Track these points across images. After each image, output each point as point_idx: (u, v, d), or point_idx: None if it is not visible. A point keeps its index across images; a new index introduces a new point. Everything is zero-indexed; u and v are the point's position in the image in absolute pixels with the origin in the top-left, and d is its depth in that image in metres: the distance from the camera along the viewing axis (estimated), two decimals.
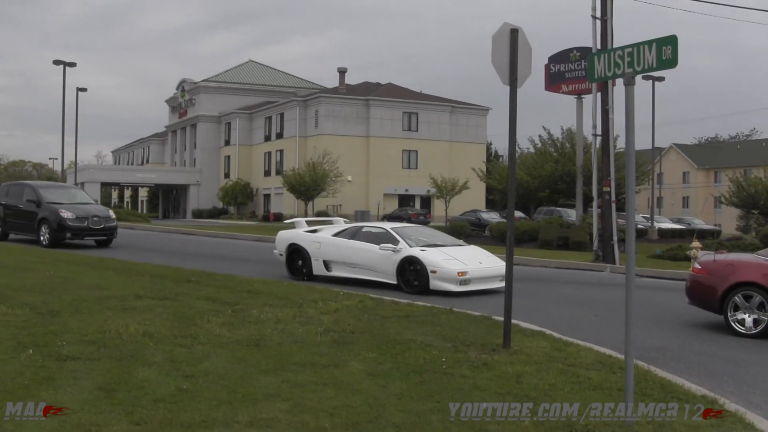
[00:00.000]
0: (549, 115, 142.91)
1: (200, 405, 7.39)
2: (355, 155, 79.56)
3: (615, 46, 29.05)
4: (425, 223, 58.83)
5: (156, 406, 7.30)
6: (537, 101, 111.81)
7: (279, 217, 76.38)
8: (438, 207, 75.12)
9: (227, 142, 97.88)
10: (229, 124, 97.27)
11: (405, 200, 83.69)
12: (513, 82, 10.69)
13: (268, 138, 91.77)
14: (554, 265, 28.42)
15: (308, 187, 54.09)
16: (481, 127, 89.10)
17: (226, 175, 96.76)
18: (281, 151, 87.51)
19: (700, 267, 14.90)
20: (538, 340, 11.59)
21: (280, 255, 21.54)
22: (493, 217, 63.04)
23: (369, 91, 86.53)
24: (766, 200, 47.59)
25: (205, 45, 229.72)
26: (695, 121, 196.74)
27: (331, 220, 23.72)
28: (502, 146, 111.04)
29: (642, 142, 74.97)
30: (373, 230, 20.19)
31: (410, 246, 18.87)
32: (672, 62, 7.36)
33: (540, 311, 15.95)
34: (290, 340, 10.60)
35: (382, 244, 19.04)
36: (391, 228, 19.98)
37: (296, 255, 20.92)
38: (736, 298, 13.97)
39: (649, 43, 7.61)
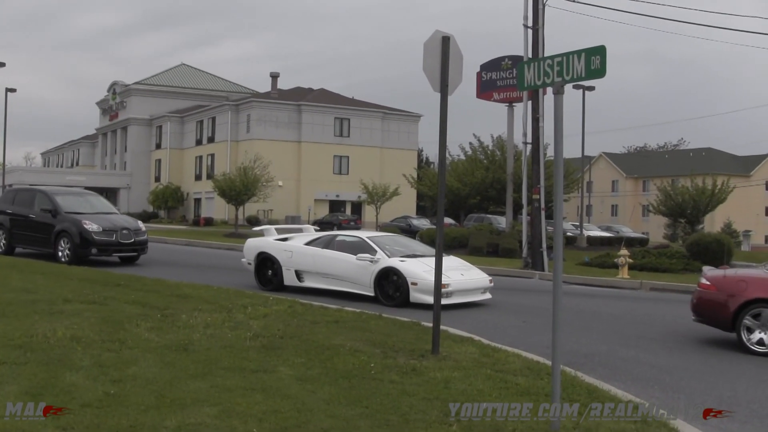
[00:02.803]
0: (480, 123, 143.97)
1: (128, 410, 7.32)
2: (287, 160, 79.35)
3: (546, 55, 29.37)
4: (356, 229, 58.88)
5: (83, 411, 7.22)
6: (468, 108, 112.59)
7: (209, 222, 75.89)
8: (369, 213, 75.17)
9: (158, 146, 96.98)
10: (161, 127, 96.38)
11: (336, 206, 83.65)
12: (444, 90, 10.75)
13: (199, 142, 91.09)
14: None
15: (239, 191, 53.51)
16: (413, 133, 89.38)
17: (157, 179, 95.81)
18: (212, 155, 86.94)
19: (708, 283, 14.38)
20: (467, 346, 11.67)
21: (249, 264, 20.67)
22: (423, 223, 63.33)
23: (301, 96, 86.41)
24: (693, 209, 48.22)
25: (137, 47, 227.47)
26: (625, 130, 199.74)
27: (301, 228, 22.88)
28: (433, 153, 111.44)
29: (572, 151, 75.95)
30: (348, 239, 19.48)
31: (388, 256, 18.15)
32: (600, 72, 7.44)
33: (469, 317, 16.07)
34: (219, 345, 10.54)
35: (359, 254, 18.31)
36: (367, 237, 19.26)
37: (266, 264, 20.11)
38: (750, 316, 13.56)
39: (578, 53, 7.69)
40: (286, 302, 15.17)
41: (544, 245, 29.41)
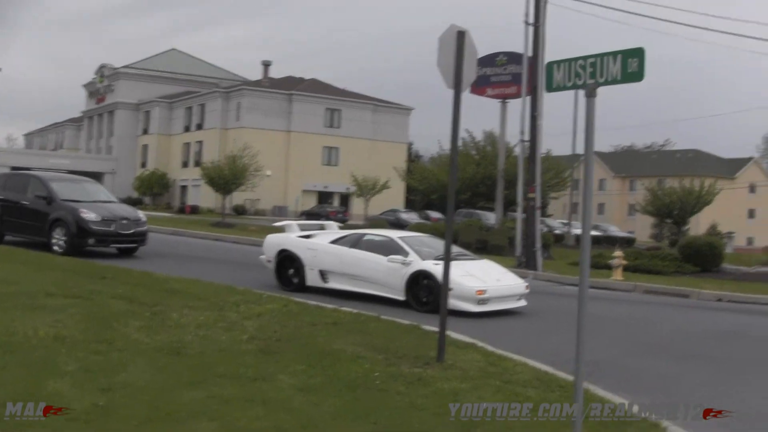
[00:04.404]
0: (472, 118, 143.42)
1: (119, 424, 6.71)
2: (276, 149, 79.00)
3: (546, 53, 28.92)
4: (344, 221, 58.40)
5: (69, 426, 6.59)
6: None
7: (195, 210, 75.31)
8: (357, 205, 74.88)
9: (145, 131, 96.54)
10: (149, 112, 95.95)
11: (324, 197, 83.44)
12: (457, 86, 10.28)
13: (187, 128, 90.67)
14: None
15: (228, 180, 52.87)
16: (404, 126, 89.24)
17: (143, 165, 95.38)
18: (201, 142, 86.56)
19: None
20: (471, 353, 11.25)
21: (268, 261, 19.63)
22: (412, 217, 63.12)
23: (292, 85, 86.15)
24: (680, 210, 48.32)
25: (126, 29, 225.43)
26: (612, 129, 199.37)
27: (323, 225, 21.72)
28: (423, 146, 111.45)
29: (562, 149, 75.69)
30: (377, 239, 18.49)
31: (422, 258, 17.07)
32: (638, 75, 6.99)
33: (466, 320, 15.52)
34: (213, 348, 9.98)
35: (391, 256, 17.29)
36: (397, 237, 18.26)
37: (287, 263, 19.01)
38: None
39: (614, 54, 7.24)
40: (280, 300, 14.62)
41: (538, 244, 29.05)
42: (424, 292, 16.77)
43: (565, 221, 64.51)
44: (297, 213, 73.37)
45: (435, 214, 65.78)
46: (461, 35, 10.29)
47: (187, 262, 24.48)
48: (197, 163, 78.53)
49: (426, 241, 19.09)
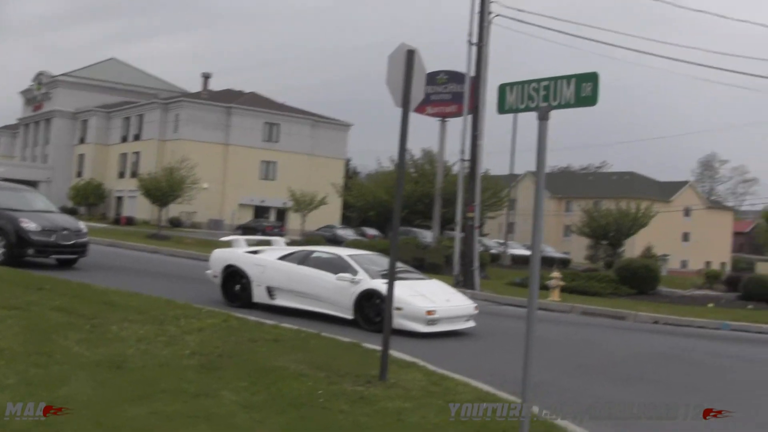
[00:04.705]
0: (410, 136, 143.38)
1: None
2: (213, 162, 78.48)
3: (488, 72, 29.18)
4: (280, 236, 58.17)
5: None
6: (397, 120, 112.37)
7: (131, 221, 74.52)
8: (293, 220, 74.62)
9: (82, 140, 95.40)
10: (86, 121, 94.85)
11: (261, 211, 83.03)
12: (406, 105, 10.30)
13: (125, 139, 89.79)
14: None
15: (164, 192, 52.23)
16: (342, 142, 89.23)
17: (79, 174, 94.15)
18: (138, 153, 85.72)
19: None
20: (413, 372, 11.21)
21: (215, 277, 19.24)
22: (348, 233, 63.02)
23: (232, 98, 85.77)
24: (616, 232, 48.95)
25: (66, 37, 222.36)
26: (550, 150, 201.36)
27: (269, 241, 21.40)
28: (360, 163, 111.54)
29: (498, 168, 76.19)
30: (325, 256, 18.26)
31: (371, 277, 16.77)
32: (592, 100, 7.04)
33: (404, 336, 15.46)
34: (155, 362, 9.85)
35: (340, 274, 16.98)
36: (346, 255, 17.98)
37: (234, 278, 18.67)
38: None
39: (568, 78, 7.29)
40: (219, 315, 14.46)
41: (476, 264, 29.16)
42: (374, 311, 16.45)
43: (501, 241, 64.89)
44: (233, 227, 72.96)
45: (371, 231, 65.81)
46: (411, 54, 10.31)
47: (125, 274, 24.17)
48: (134, 174, 77.75)
49: (374, 259, 18.79)
